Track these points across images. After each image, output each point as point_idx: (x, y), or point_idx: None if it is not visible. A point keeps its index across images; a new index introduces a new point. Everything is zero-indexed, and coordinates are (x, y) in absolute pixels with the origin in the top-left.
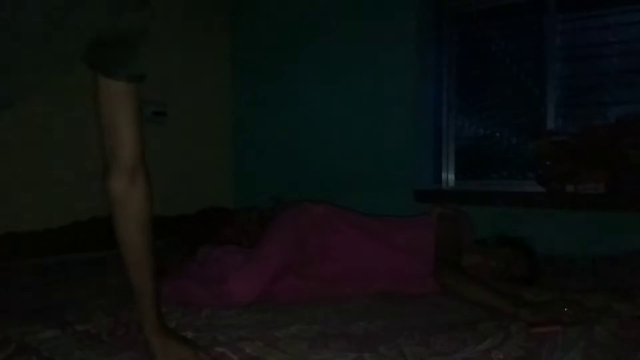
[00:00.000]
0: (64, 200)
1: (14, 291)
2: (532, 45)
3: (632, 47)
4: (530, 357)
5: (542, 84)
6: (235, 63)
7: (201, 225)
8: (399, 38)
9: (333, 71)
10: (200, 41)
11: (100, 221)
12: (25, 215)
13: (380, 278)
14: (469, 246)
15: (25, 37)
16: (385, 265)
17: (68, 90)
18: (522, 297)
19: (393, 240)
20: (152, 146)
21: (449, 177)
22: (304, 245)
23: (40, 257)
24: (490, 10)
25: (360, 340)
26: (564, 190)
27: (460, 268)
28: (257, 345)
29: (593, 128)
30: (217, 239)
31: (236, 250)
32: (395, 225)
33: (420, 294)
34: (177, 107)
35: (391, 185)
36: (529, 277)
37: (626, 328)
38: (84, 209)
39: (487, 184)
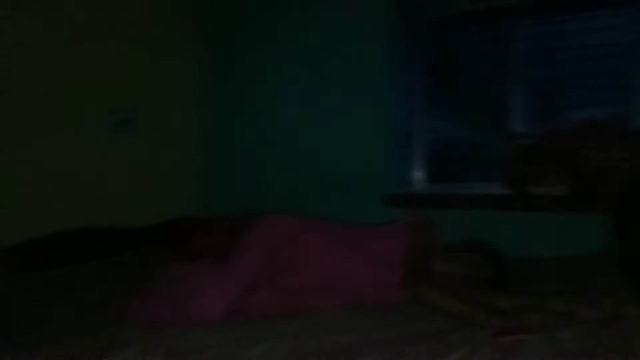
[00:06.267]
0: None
1: None
2: (499, 51)
3: (592, 52)
4: None
5: (508, 88)
6: (206, 71)
7: (170, 236)
8: (369, 44)
9: (304, 78)
10: (169, 47)
11: (65, 237)
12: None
13: (351, 288)
14: (439, 253)
15: None
16: (356, 275)
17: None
18: (492, 303)
19: (363, 250)
20: (120, 155)
21: (420, 181)
22: (273, 258)
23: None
24: (458, 15)
25: (331, 357)
26: (530, 192)
27: (429, 277)
28: None
29: (557, 131)
30: (187, 250)
31: (204, 267)
32: (365, 235)
33: (390, 302)
34: (146, 114)
35: (362, 190)
36: (497, 282)
37: (591, 334)
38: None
39: (458, 186)
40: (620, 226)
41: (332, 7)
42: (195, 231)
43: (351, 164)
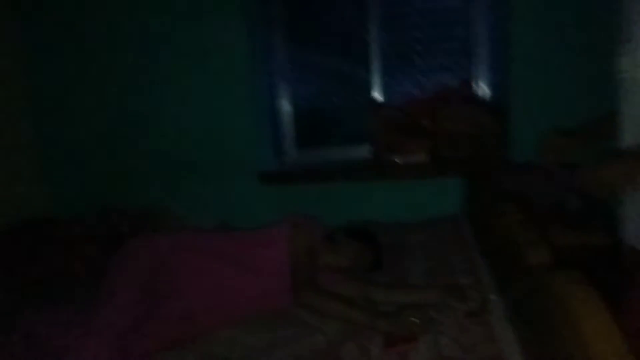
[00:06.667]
0: None
1: None
2: (356, 15)
3: (441, 17)
4: None
5: (366, 53)
6: (32, 53)
7: (15, 250)
8: (223, 11)
9: (156, 56)
10: None
11: None
12: None
13: (239, 304)
14: (321, 247)
15: None
16: (242, 290)
17: None
18: (374, 297)
19: (249, 262)
20: None
21: (291, 150)
22: (152, 288)
23: None
24: None
25: None
26: (394, 161)
27: (315, 280)
28: None
29: (414, 101)
30: (42, 267)
31: (71, 317)
32: (249, 243)
33: (281, 311)
34: None
35: (234, 168)
36: (375, 266)
37: (464, 332)
38: None
39: (327, 153)
40: (470, 189)
41: None
42: (47, 243)
43: (219, 143)
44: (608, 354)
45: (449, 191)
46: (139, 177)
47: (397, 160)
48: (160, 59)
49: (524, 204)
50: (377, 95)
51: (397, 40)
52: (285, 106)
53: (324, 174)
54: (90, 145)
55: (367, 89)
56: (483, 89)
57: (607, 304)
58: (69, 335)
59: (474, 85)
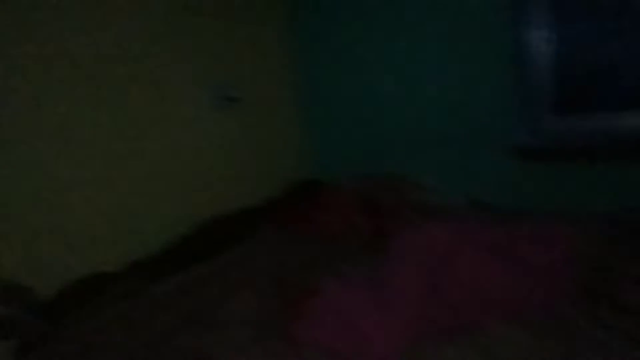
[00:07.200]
0: None
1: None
2: None
3: None
4: None
5: None
6: (299, 36)
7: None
8: None
9: (404, 19)
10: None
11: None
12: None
13: (513, 301)
14: (611, 254)
15: None
16: (516, 287)
17: None
18: None
19: (524, 260)
20: (224, 132)
21: (549, 118)
22: (432, 279)
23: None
24: None
25: None
26: None
27: (608, 295)
28: None
29: None
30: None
31: (362, 291)
32: (526, 241)
33: (558, 313)
34: (244, 87)
35: (483, 139)
36: None
37: None
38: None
39: (593, 120)
40: None
41: None
42: (317, 207)
43: (468, 112)
44: None
45: None
46: (384, 146)
47: None
48: (411, 27)
49: None
50: None
51: None
52: (544, 66)
53: (596, 153)
54: (344, 119)
55: None
56: None
57: None
58: (364, 310)
59: None
